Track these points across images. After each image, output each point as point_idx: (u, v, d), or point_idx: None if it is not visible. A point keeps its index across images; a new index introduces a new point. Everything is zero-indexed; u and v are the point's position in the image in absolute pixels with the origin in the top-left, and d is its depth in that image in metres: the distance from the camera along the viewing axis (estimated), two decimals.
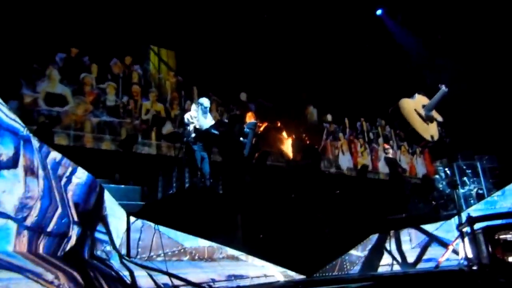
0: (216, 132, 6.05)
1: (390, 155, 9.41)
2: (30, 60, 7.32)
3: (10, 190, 2.13)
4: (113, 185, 5.81)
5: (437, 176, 11.65)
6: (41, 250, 2.29)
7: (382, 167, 12.08)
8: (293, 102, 10.95)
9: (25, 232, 2.21)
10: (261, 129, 9.99)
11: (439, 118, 5.53)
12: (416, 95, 5.53)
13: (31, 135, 2.37)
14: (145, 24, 8.56)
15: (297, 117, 11.17)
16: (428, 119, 5.36)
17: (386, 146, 9.93)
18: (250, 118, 8.32)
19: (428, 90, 5.67)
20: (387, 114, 5.99)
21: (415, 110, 5.30)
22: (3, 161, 2.13)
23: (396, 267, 5.35)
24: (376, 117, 12.98)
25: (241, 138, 6.21)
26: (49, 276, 2.13)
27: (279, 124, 10.65)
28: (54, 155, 2.54)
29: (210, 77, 9.43)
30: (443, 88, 5.47)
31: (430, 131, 5.31)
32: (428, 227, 5.75)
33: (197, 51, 9.33)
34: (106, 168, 6.55)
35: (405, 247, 5.58)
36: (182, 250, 3.58)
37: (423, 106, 5.53)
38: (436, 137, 5.33)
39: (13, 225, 2.14)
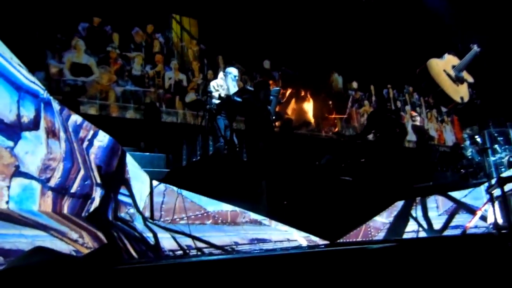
0: (239, 99, 5.99)
1: (417, 123, 9.18)
2: (54, 30, 7.37)
3: (33, 151, 2.16)
4: (138, 153, 5.88)
5: (466, 144, 11.31)
6: (65, 210, 2.33)
7: (409, 135, 11.81)
8: (317, 69, 10.73)
9: (49, 193, 2.25)
10: (285, 96, 9.89)
11: (470, 79, 5.28)
12: (446, 55, 5.27)
13: (51, 97, 2.38)
14: None
15: (322, 85, 10.98)
16: (458, 80, 5.13)
17: (414, 113, 9.68)
18: (272, 86, 8.22)
19: (459, 50, 5.42)
20: (415, 79, 5.78)
21: (444, 70, 5.06)
22: (25, 122, 2.14)
23: (422, 234, 5.28)
24: (403, 84, 12.60)
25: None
26: (74, 235, 2.17)
27: (303, 92, 10.51)
28: (75, 118, 2.56)
29: (232, 45, 9.32)
30: (475, 48, 5.21)
31: (460, 92, 5.09)
32: (456, 194, 5.62)
33: (219, 19, 9.20)
34: (132, 137, 6.65)
35: (432, 214, 5.48)
36: (205, 214, 3.61)
37: (453, 67, 5.28)
38: (466, 99, 5.10)
39: (37, 186, 2.17)
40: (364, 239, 4.99)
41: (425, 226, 5.36)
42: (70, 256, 1.93)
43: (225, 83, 6.14)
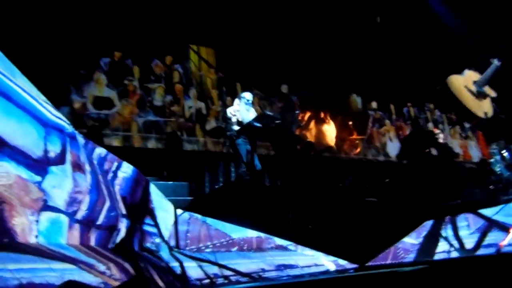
0: (258, 125, 6.01)
1: (441, 140, 9.03)
2: (77, 66, 7.63)
3: (60, 185, 2.20)
4: (161, 182, 5.93)
5: (493, 160, 11.02)
6: (92, 242, 2.35)
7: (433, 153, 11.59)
8: (335, 91, 10.73)
9: (76, 226, 2.27)
10: (305, 119, 9.89)
11: (493, 94, 5.19)
12: (466, 70, 5.21)
13: (76, 132, 2.43)
14: (183, 24, 8.70)
15: (341, 106, 10.96)
16: (480, 95, 5.05)
17: (436, 130, 9.53)
18: None
19: (479, 65, 5.35)
20: (436, 96, 5.72)
21: (466, 86, 4.99)
22: (52, 157, 2.19)
23: (454, 254, 5.10)
24: (424, 101, 12.44)
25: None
26: (101, 267, 2.18)
27: (322, 115, 10.49)
28: (99, 150, 2.60)
29: (250, 72, 9.43)
30: (496, 62, 5.13)
31: (483, 107, 4.99)
32: (487, 212, 5.43)
33: (236, 47, 9.36)
34: (155, 166, 6.72)
35: (463, 233, 5.30)
36: (230, 241, 3.58)
37: (474, 82, 5.20)
38: (490, 113, 5.01)
39: (65, 219, 2.20)
40: (393, 262, 4.84)
41: (457, 245, 5.18)
42: None
43: (240, 108, 6.20)
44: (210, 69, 9.43)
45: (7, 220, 1.85)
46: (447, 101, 5.03)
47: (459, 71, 5.23)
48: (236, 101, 6.44)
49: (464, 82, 5.15)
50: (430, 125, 12.20)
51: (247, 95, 6.28)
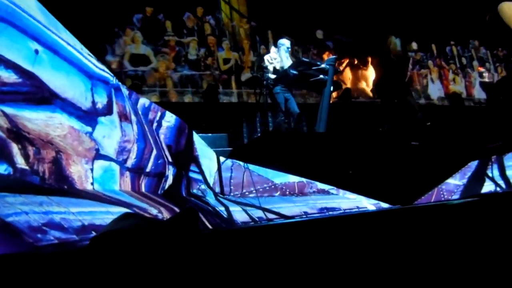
0: (295, 72, 5.93)
1: (486, 79, 8.62)
2: (111, 25, 7.68)
3: (109, 135, 2.29)
4: (200, 134, 6.04)
5: None
6: (143, 189, 2.46)
7: (478, 93, 11.11)
8: (372, 34, 10.31)
9: (127, 173, 2.38)
10: (343, 65, 9.65)
11: None
12: None
13: (120, 83, 2.49)
14: None
15: (379, 50, 10.57)
16: None
17: (481, 69, 9.08)
18: (328, 55, 8.05)
19: None
20: (482, 30, 5.40)
21: None
22: (100, 108, 2.27)
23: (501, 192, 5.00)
24: (468, 39, 11.77)
25: (321, 76, 6.02)
26: (153, 211, 2.30)
27: (359, 60, 10.19)
28: (143, 101, 2.67)
29: (283, 19, 9.19)
30: None
31: None
32: None
33: None
34: (193, 119, 6.83)
35: (510, 172, 5.15)
36: (272, 186, 3.66)
37: None
38: None
39: (116, 167, 2.31)
40: (437, 201, 4.81)
41: (503, 185, 5.05)
42: (157, 219, 2.05)
43: (278, 56, 6.10)
44: (242, 19, 9.26)
45: (65, 168, 1.96)
46: (498, 32, 4.71)
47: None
48: (273, 48, 6.35)
49: None
50: (475, 64, 11.62)
51: (286, 42, 6.17)
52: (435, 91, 10.77)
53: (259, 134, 6.74)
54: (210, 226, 2.69)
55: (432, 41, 11.23)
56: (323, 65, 6.04)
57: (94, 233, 1.80)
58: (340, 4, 9.57)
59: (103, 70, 2.37)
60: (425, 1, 10.17)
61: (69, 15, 6.18)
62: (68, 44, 2.09)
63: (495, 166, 5.11)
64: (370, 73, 10.07)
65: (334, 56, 6.54)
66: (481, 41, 11.61)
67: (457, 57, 11.53)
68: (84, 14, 6.96)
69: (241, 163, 3.55)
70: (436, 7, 10.24)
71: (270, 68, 5.96)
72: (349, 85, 9.48)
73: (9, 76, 1.75)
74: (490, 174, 5.10)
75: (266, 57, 6.16)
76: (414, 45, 11.06)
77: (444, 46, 11.46)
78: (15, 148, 1.72)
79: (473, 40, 11.76)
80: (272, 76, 5.95)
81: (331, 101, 6.10)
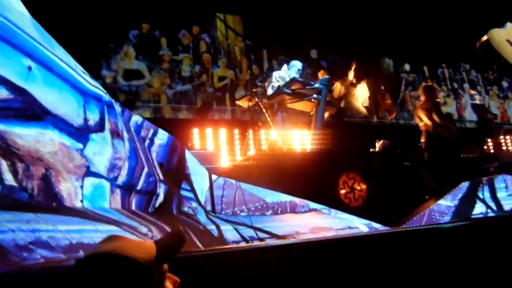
0: (289, 91, 5.97)
1: (477, 101, 8.74)
2: (107, 40, 7.72)
3: (100, 152, 2.28)
4: (194, 151, 6.03)
5: None
6: (133, 206, 2.44)
7: (469, 115, 11.24)
8: (366, 55, 10.45)
9: (118, 191, 2.36)
10: (335, 85, 9.73)
11: None
12: (508, 24, 4.94)
13: (113, 100, 2.49)
14: None
15: (372, 70, 10.69)
16: None
17: (472, 91, 9.22)
18: (322, 75, 8.12)
19: None
20: (473, 54, 5.49)
21: (508, 40, 4.74)
22: (92, 125, 2.26)
23: (492, 215, 5.02)
24: (459, 62, 11.98)
25: (315, 95, 6.07)
26: (143, 229, 2.27)
27: (353, 80, 10.28)
28: (136, 118, 2.67)
29: (278, 38, 9.30)
30: None
31: None
32: None
33: (262, 14, 9.22)
34: (186, 136, 6.82)
35: (501, 194, 5.19)
36: (264, 205, 3.64)
37: None
38: None
39: (106, 184, 2.29)
40: (428, 223, 4.82)
41: (494, 207, 5.08)
42: (145, 238, 2.02)
43: (287, 76, 6.17)
44: (238, 37, 9.35)
45: (55, 185, 1.94)
46: (488, 56, 4.80)
47: (500, 25, 4.97)
48: (284, 67, 6.41)
49: (506, 36, 4.88)
50: (466, 86, 11.78)
51: (298, 64, 6.26)
52: None
53: (252, 152, 6.74)
54: (200, 245, 2.67)
55: (424, 63, 11.41)
56: (316, 85, 6.10)
57: (82, 252, 1.77)
58: (334, 24, 9.72)
59: (96, 87, 2.37)
60: (418, 24, 10.35)
61: (65, 30, 6.22)
62: (62, 60, 2.09)
63: (486, 188, 5.15)
64: (365, 94, 10.15)
65: (327, 77, 6.61)
66: (472, 64, 11.81)
67: (449, 79, 11.71)
68: (81, 29, 7.00)
69: (233, 181, 3.54)
70: (428, 30, 10.43)
71: (275, 85, 6.01)
72: (343, 104, 9.54)
73: (1, 92, 1.75)
74: (481, 196, 5.13)
75: (275, 74, 6.22)
76: (407, 67, 11.22)
77: (436, 68, 11.64)
78: (4, 165, 1.70)
79: (464, 63, 11.96)
80: (270, 92, 6.00)
81: (323, 120, 6.15)
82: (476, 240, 1.98)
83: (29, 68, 1.90)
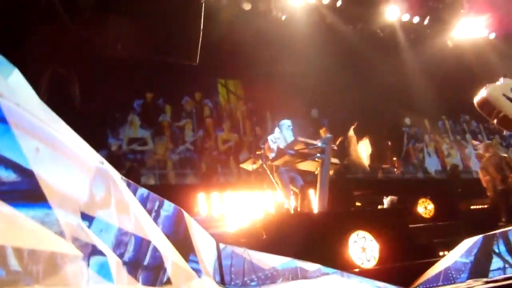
0: (292, 152, 6.00)
1: (480, 151, 8.72)
2: (113, 110, 7.92)
3: (106, 228, 2.25)
4: (199, 217, 5.98)
5: None
6: (140, 282, 2.37)
7: (475, 165, 11.20)
8: (367, 112, 10.61)
9: (124, 267, 2.30)
10: (337, 142, 9.79)
11: None
12: (502, 79, 5.05)
13: (119, 175, 2.50)
14: (210, 59, 8.93)
15: (374, 127, 10.80)
16: None
17: (475, 142, 9.23)
18: (324, 133, 8.21)
19: None
20: (472, 107, 5.57)
21: (504, 94, 4.83)
22: (98, 201, 2.26)
23: (510, 271, 4.83)
24: (459, 113, 12.13)
25: (318, 154, 6.09)
26: None
27: (354, 137, 10.36)
28: (141, 191, 2.66)
29: (278, 100, 9.49)
30: None
31: None
32: None
33: (261, 77, 9.48)
34: (192, 201, 6.80)
35: None
36: (274, 273, 3.54)
37: None
38: None
39: (112, 261, 2.24)
40: (445, 283, 4.63)
41: (511, 261, 4.90)
42: None
43: (281, 135, 6.24)
44: (239, 101, 9.58)
45: (60, 267, 1.90)
46: (486, 111, 4.87)
47: (495, 80, 5.10)
48: (277, 129, 6.50)
49: (501, 90, 4.99)
50: (468, 137, 11.85)
51: (287, 121, 6.36)
52: (432, 164, 10.87)
53: (260, 215, 6.66)
54: None
55: (424, 116, 11.56)
56: (319, 144, 6.14)
57: None
58: (333, 83, 9.94)
59: (102, 162, 2.39)
60: (418, 77, 10.59)
61: (72, 103, 6.39)
62: (68, 139, 2.13)
63: (500, 242, 5.00)
64: (367, 149, 10.20)
65: (329, 135, 6.68)
66: (471, 115, 11.96)
67: (450, 131, 11.80)
68: (87, 100, 7.19)
69: (241, 249, 3.46)
70: (428, 84, 10.66)
71: (274, 147, 6.05)
72: (346, 161, 9.55)
73: (8, 176, 1.76)
74: (496, 250, 4.97)
75: (270, 137, 6.29)
76: (408, 120, 11.35)
77: (436, 120, 11.78)
78: (9, 250, 1.68)
79: (464, 114, 12.12)
80: (272, 155, 6.02)
81: (328, 179, 6.12)
82: None
83: (37, 149, 1.93)
